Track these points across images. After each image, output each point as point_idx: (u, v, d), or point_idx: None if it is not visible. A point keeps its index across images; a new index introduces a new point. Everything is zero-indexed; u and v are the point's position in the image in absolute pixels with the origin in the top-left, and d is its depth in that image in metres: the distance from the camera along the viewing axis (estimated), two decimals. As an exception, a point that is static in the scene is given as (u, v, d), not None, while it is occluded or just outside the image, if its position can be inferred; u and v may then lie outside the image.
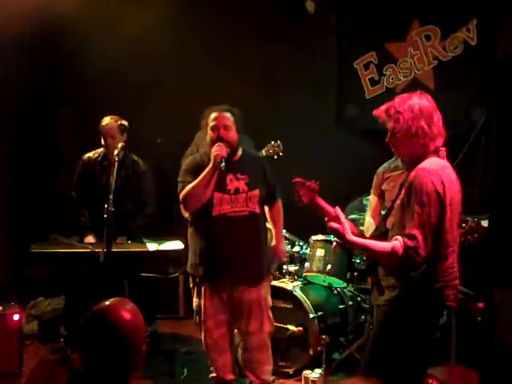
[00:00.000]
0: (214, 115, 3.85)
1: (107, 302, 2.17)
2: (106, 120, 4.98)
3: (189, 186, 3.79)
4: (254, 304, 3.91)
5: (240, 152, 3.96)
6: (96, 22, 5.92)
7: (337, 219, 2.98)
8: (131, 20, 5.88)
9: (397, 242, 2.88)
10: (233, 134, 3.84)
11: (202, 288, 3.97)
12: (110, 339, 2.08)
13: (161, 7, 5.98)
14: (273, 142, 5.10)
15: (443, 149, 3.05)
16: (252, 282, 3.90)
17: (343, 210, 3.12)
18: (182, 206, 3.95)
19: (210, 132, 3.86)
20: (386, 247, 2.92)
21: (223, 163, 3.71)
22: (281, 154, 5.04)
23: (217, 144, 3.77)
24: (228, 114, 3.85)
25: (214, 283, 3.93)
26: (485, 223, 3.98)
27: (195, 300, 4.07)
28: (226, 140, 3.79)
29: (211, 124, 3.84)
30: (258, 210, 3.89)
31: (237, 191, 3.83)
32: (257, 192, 3.87)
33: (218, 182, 3.80)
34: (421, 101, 3.00)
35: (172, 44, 6.15)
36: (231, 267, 3.87)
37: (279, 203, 4.14)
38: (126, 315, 2.12)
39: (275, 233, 4.24)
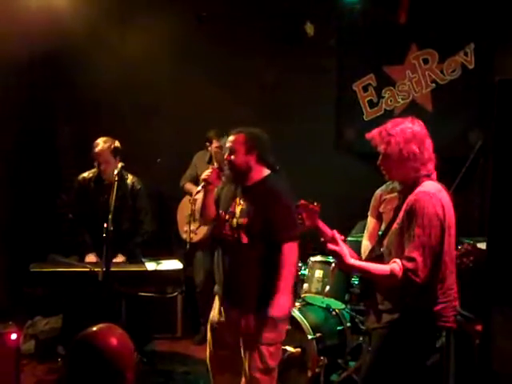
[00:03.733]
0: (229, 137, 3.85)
1: (95, 328, 2.16)
2: (99, 145, 4.93)
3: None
4: (241, 334, 3.77)
5: (259, 177, 3.78)
6: (98, 42, 5.98)
7: (334, 241, 3.00)
8: (133, 40, 5.94)
9: (395, 265, 2.90)
10: (237, 157, 3.73)
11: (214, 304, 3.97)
12: (95, 365, 2.07)
13: (162, 28, 6.05)
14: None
15: (435, 173, 3.09)
16: (236, 307, 3.78)
17: (346, 233, 3.14)
18: None
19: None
20: (384, 270, 2.94)
21: (204, 184, 3.80)
22: None
23: (211, 167, 3.90)
24: (237, 137, 3.76)
25: (218, 300, 3.93)
26: (482, 245, 3.99)
27: None
28: (228, 164, 3.78)
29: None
30: (244, 240, 3.69)
31: (233, 215, 3.79)
32: (245, 221, 3.70)
33: (228, 203, 3.82)
34: (413, 125, 3.05)
35: (171, 66, 6.20)
36: (220, 285, 3.85)
37: (287, 248, 3.64)
38: (113, 341, 2.10)
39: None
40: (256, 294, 3.71)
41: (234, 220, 3.74)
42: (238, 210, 3.76)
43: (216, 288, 3.94)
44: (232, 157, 3.74)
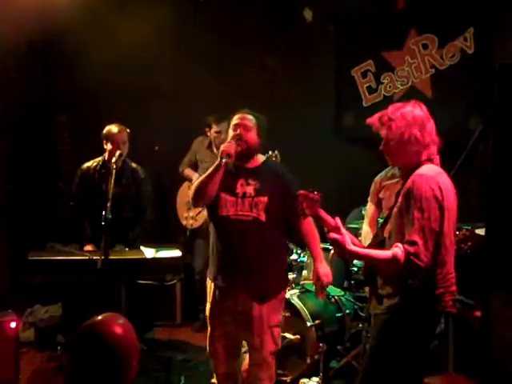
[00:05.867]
0: (237, 115, 3.86)
1: (99, 317, 2.16)
2: (116, 128, 4.92)
3: (196, 181, 3.85)
4: (254, 319, 3.79)
5: (261, 160, 3.91)
6: (94, 30, 5.93)
7: (337, 230, 2.99)
8: (130, 28, 5.89)
9: (397, 249, 2.88)
10: (252, 136, 3.79)
11: (214, 291, 3.90)
12: (99, 353, 2.07)
13: (160, 16, 6.00)
14: (270, 152, 5.10)
15: (437, 157, 3.07)
16: (250, 291, 3.78)
17: (343, 220, 3.12)
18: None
19: (230, 131, 3.85)
20: (386, 255, 2.92)
21: (226, 159, 3.66)
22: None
23: (228, 141, 3.78)
24: (250, 117, 3.84)
25: (220, 287, 3.86)
26: (480, 231, 3.98)
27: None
28: (244, 139, 3.76)
29: (233, 123, 3.84)
30: (263, 218, 3.73)
31: (244, 195, 3.78)
32: (264, 199, 3.74)
33: (228, 184, 3.78)
34: (414, 109, 3.05)
35: (170, 52, 6.16)
36: (229, 270, 3.81)
37: (309, 219, 3.75)
38: (118, 330, 2.11)
39: (311, 253, 4.01)
40: (268, 274, 3.81)
41: (250, 199, 3.75)
42: (249, 189, 3.77)
43: (215, 272, 3.86)
44: (248, 133, 3.78)
